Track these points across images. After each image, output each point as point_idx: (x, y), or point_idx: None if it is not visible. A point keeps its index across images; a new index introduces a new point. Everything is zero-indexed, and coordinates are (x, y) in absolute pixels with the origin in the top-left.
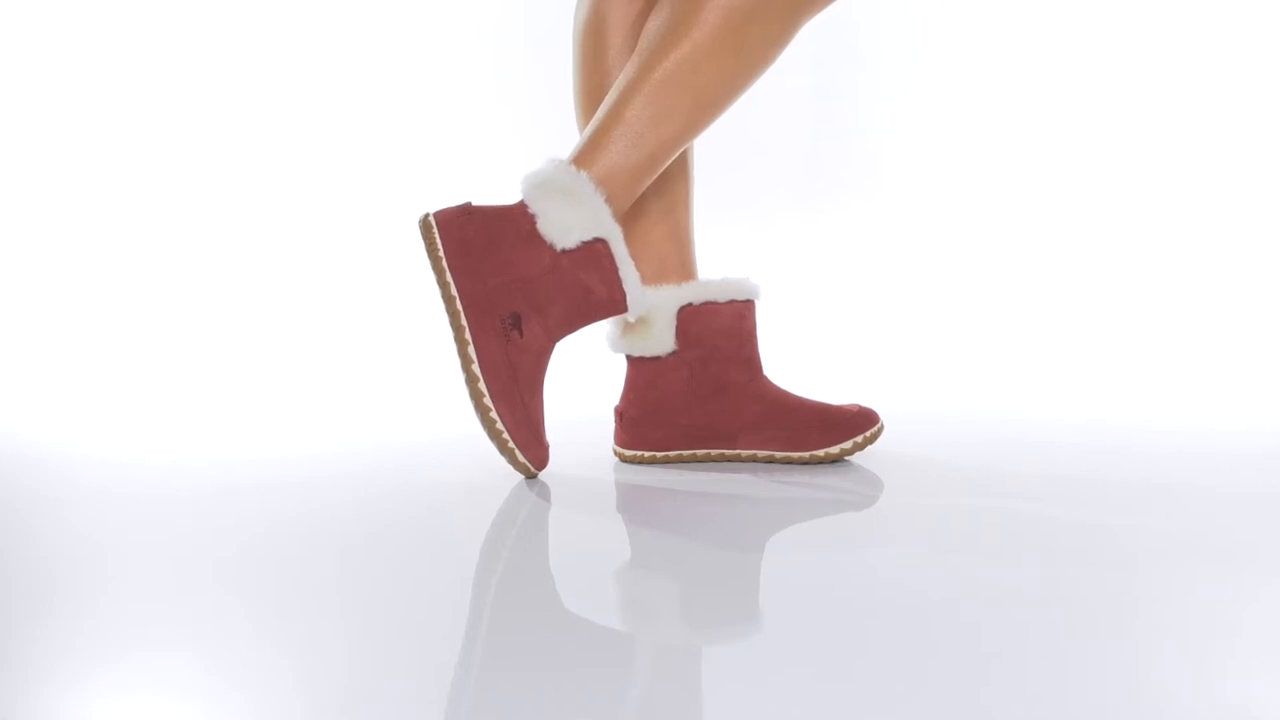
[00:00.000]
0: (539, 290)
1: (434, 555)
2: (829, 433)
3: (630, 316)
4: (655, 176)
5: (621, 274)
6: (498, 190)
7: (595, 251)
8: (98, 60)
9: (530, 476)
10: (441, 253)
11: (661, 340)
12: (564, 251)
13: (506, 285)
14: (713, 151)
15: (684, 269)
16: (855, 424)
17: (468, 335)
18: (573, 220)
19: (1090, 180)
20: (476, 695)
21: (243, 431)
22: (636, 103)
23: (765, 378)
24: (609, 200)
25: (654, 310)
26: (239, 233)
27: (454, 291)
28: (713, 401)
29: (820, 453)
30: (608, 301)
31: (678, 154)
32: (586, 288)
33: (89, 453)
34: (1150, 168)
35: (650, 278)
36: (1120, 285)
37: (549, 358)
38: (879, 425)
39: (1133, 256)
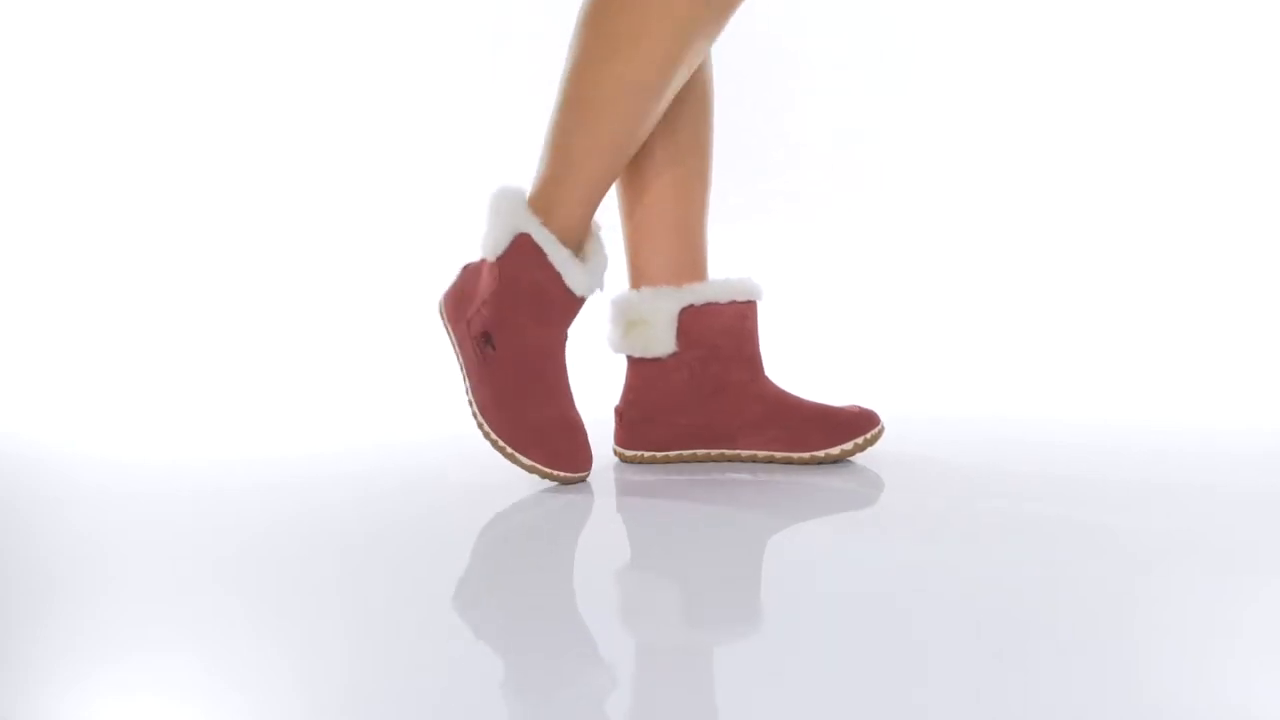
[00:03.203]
0: (499, 303)
1: (434, 555)
2: (830, 433)
3: (584, 292)
4: (590, 181)
5: (551, 259)
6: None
7: (520, 245)
8: (98, 60)
9: (554, 479)
10: (442, 312)
11: (662, 341)
12: (499, 259)
13: (476, 312)
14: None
15: (695, 269)
16: (856, 425)
17: (463, 372)
18: (497, 228)
19: (1090, 180)
20: (476, 695)
21: (243, 431)
22: (555, 113)
23: (766, 378)
24: (533, 201)
25: (654, 312)
26: (239, 233)
27: (452, 340)
28: (713, 401)
29: (821, 453)
30: (563, 295)
31: (607, 156)
32: (536, 283)
33: (89, 453)
34: (1150, 167)
35: (660, 278)
36: (1120, 285)
37: (545, 360)
38: (879, 427)
39: (1132, 256)
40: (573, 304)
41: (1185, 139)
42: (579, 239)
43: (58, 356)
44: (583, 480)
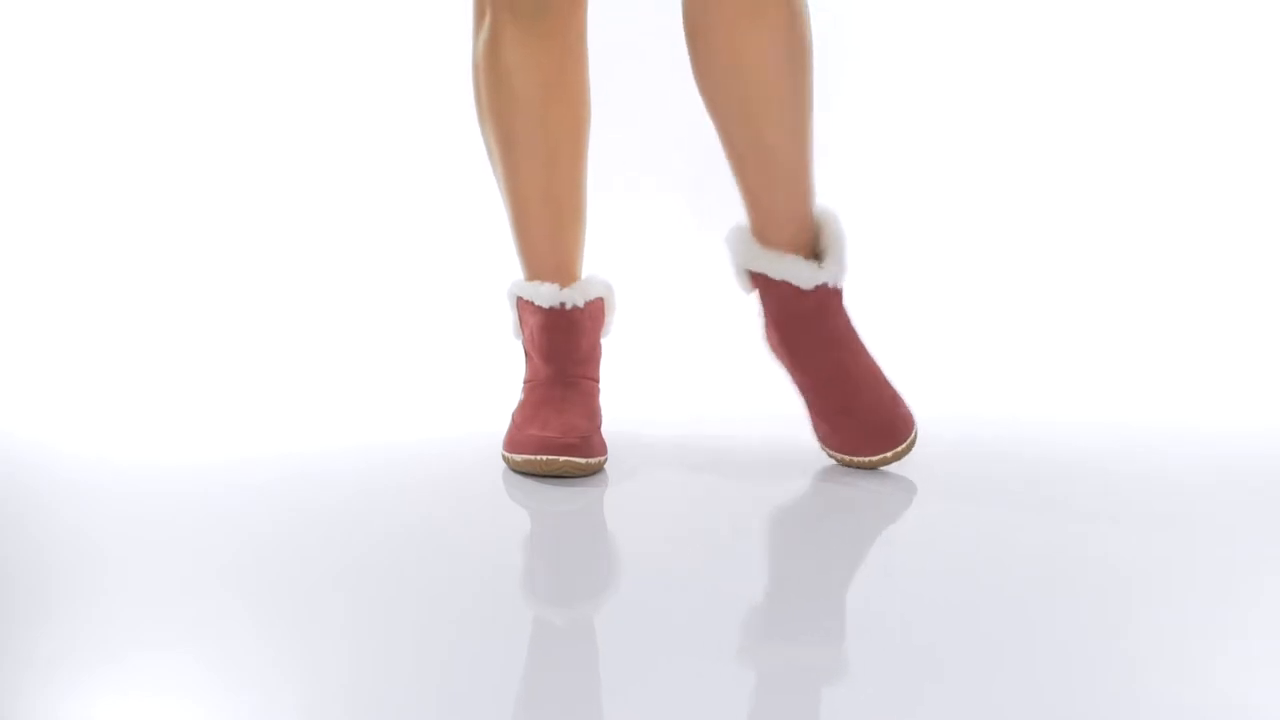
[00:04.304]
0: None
1: (435, 555)
2: (868, 438)
3: (548, 302)
4: (519, 242)
5: (519, 293)
6: (490, 192)
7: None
8: (98, 60)
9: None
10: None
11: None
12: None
13: None
14: (712, 155)
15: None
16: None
17: None
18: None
19: (1091, 180)
20: (477, 696)
21: (243, 431)
22: None
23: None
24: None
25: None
26: (239, 232)
27: None
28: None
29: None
30: (533, 313)
31: (514, 222)
32: (523, 321)
33: (89, 453)
34: (1150, 167)
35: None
36: (1121, 285)
37: (549, 387)
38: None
39: (1133, 256)
40: (552, 319)
41: (1187, 139)
42: (564, 280)
43: (57, 356)
44: (538, 465)
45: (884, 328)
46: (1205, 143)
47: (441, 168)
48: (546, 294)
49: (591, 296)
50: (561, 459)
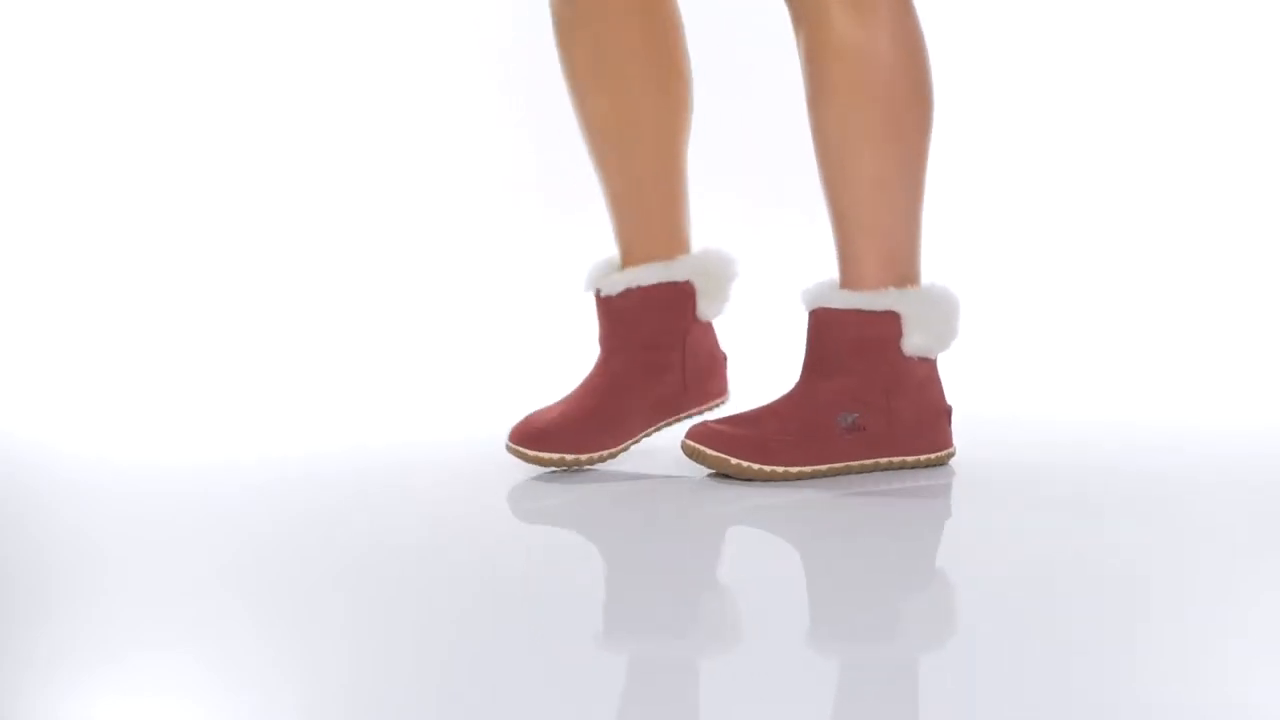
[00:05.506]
0: None
1: (435, 555)
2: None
3: (588, 286)
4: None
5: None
6: (490, 192)
7: None
8: (98, 60)
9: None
10: None
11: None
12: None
13: None
14: (713, 156)
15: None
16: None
17: None
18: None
19: (1091, 181)
20: (477, 696)
21: (244, 432)
22: None
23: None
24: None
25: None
26: (239, 233)
27: None
28: None
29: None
30: (597, 301)
31: (604, 187)
32: None
33: (88, 453)
34: (1149, 167)
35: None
36: (1122, 285)
37: (596, 376)
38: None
39: (1134, 257)
40: (598, 304)
41: (1189, 140)
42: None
43: (57, 356)
44: (538, 460)
45: None
46: (1202, 144)
47: (441, 169)
48: (591, 278)
49: (645, 283)
50: (530, 452)
